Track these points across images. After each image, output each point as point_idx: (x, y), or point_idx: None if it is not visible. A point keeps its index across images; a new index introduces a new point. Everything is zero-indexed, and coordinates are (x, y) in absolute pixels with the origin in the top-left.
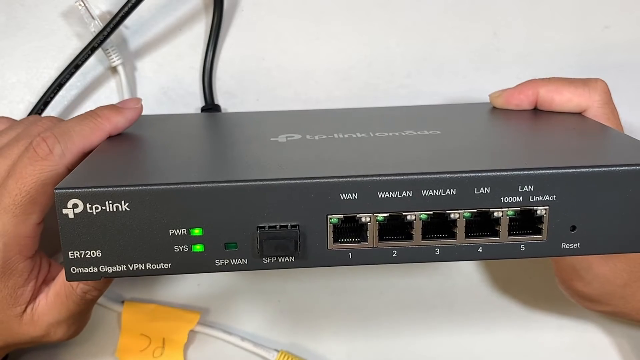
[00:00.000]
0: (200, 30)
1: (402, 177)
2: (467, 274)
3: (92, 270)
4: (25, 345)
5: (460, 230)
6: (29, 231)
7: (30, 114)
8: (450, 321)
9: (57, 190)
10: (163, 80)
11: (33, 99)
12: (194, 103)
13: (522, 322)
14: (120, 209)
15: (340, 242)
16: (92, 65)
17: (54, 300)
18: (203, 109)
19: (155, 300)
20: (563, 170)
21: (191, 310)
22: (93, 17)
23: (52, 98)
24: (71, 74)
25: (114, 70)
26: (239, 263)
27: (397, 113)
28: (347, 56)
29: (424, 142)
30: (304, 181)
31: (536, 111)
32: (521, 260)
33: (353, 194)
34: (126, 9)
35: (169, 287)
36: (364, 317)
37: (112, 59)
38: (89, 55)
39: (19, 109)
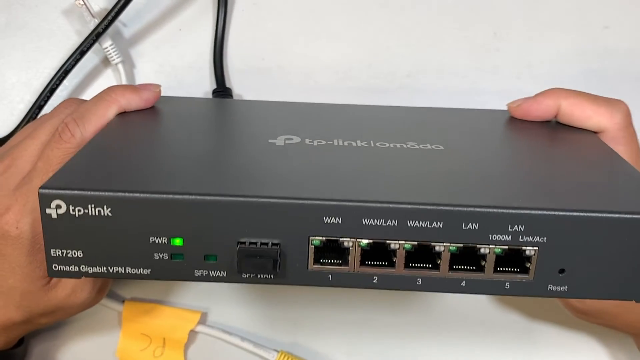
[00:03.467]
0: (202, 28)
1: (387, 206)
2: None
3: (73, 269)
4: (48, 316)
5: (444, 262)
6: None
7: (27, 114)
8: (450, 322)
9: (41, 190)
10: (163, 81)
11: (33, 98)
12: None
13: (524, 324)
14: (102, 214)
15: (321, 263)
16: (92, 65)
17: None
18: (214, 92)
19: (155, 300)
20: (555, 213)
21: (191, 310)
22: (93, 16)
23: (49, 97)
24: (70, 69)
25: (114, 69)
26: (218, 275)
27: (405, 115)
28: (347, 56)
29: (423, 159)
30: (287, 201)
31: (550, 128)
32: None
33: (337, 218)
34: (121, 3)
35: (169, 287)
36: (364, 318)
37: (112, 57)
38: (88, 49)
39: (19, 109)
